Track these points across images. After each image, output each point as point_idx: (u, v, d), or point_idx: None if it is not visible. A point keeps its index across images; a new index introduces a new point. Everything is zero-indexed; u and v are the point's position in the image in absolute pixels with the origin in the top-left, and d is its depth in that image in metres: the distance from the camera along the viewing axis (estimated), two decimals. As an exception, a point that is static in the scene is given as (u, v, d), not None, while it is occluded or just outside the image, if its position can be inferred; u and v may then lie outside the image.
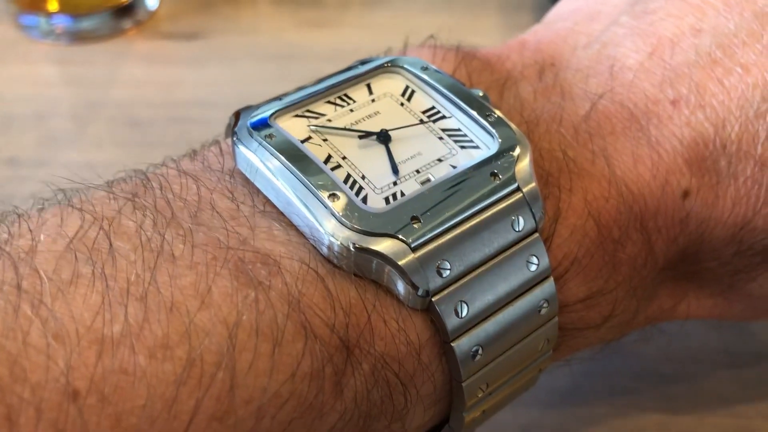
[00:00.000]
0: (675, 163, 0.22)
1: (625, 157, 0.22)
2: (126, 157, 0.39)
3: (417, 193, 0.19)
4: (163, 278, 0.16)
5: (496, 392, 0.21)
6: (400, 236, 0.18)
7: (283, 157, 0.19)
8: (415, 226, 0.18)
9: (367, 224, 0.18)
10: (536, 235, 0.20)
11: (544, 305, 0.20)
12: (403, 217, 0.18)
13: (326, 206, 0.18)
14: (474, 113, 0.21)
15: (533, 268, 0.20)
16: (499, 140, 0.20)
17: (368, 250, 0.18)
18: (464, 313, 0.19)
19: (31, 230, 0.17)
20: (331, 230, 0.18)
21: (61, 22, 0.46)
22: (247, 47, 0.46)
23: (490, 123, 0.21)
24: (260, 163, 0.19)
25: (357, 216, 0.18)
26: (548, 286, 0.20)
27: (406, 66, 0.22)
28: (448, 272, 0.18)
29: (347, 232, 0.18)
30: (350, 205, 0.18)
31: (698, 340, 0.30)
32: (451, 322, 0.18)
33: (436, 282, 0.18)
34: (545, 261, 0.20)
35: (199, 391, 0.15)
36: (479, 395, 0.20)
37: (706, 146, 0.22)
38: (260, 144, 0.19)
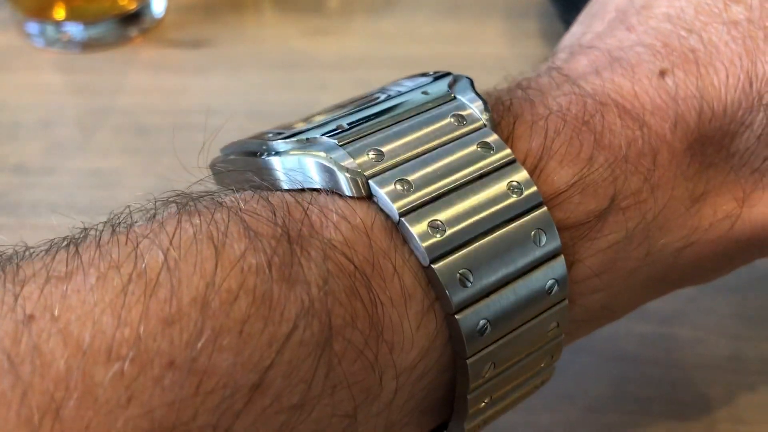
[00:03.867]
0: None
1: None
2: (133, 165, 0.39)
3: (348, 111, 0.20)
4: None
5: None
6: (330, 137, 0.19)
7: None
8: (344, 132, 0.19)
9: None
10: (481, 123, 0.20)
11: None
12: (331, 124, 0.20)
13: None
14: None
15: (489, 155, 0.19)
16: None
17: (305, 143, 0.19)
18: (407, 190, 0.18)
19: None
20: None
21: (68, 30, 0.46)
22: (253, 55, 0.46)
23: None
24: None
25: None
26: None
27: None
28: (379, 158, 0.18)
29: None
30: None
31: (708, 346, 0.30)
32: (392, 196, 0.18)
33: (368, 162, 0.18)
34: (502, 149, 0.20)
35: (144, 297, 0.15)
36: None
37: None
38: None
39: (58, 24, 0.46)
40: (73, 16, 0.46)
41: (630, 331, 0.31)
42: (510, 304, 0.19)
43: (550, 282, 0.19)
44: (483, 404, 0.20)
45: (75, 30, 0.46)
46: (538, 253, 0.19)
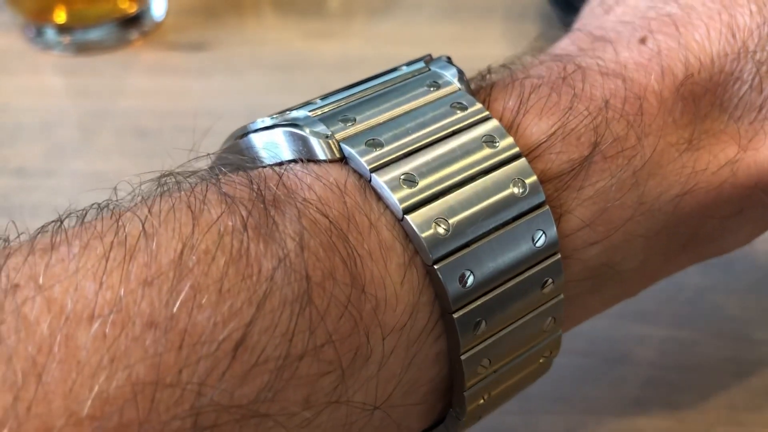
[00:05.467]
0: None
1: None
2: (133, 167, 0.39)
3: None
4: None
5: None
6: (305, 110, 0.19)
7: None
8: (317, 106, 0.19)
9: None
10: (458, 87, 0.20)
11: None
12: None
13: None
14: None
15: (460, 113, 0.19)
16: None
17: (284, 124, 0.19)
18: (380, 151, 0.18)
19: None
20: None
21: (68, 33, 0.46)
22: (253, 58, 0.46)
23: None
24: None
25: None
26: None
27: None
28: (351, 123, 0.19)
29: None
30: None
31: (706, 348, 0.30)
32: (363, 153, 0.18)
33: (340, 127, 0.19)
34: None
35: (125, 261, 0.15)
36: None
37: None
38: None
39: (58, 27, 0.46)
40: (73, 19, 0.46)
41: (628, 333, 0.31)
42: (493, 252, 0.18)
43: (538, 233, 0.19)
44: (481, 372, 0.19)
45: (75, 33, 0.46)
46: (518, 203, 0.19)
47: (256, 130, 0.20)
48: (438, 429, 0.21)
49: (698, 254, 0.24)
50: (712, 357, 0.30)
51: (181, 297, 0.15)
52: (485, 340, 0.19)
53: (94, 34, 0.46)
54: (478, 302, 0.18)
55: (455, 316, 0.18)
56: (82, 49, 0.46)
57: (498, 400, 0.21)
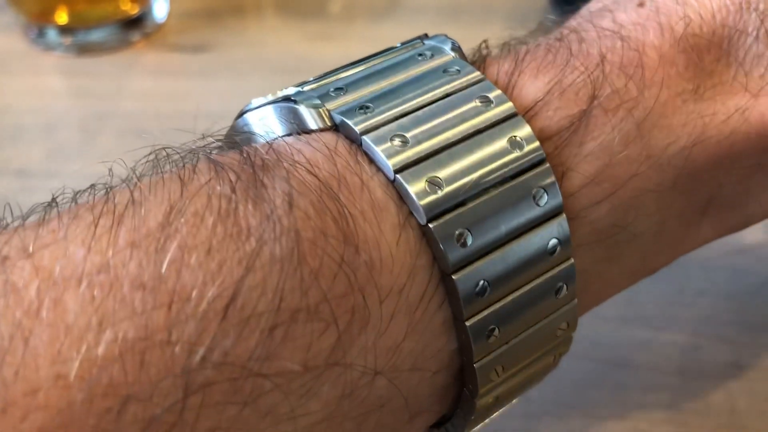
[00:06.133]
0: None
1: None
2: (134, 169, 0.39)
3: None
4: None
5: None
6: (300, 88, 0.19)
7: None
8: (308, 82, 0.19)
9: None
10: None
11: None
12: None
13: None
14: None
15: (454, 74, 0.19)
16: None
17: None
18: (370, 115, 0.18)
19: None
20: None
21: (70, 35, 0.46)
22: (255, 60, 0.46)
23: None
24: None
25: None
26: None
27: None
28: (342, 93, 0.19)
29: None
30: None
31: (708, 353, 0.30)
32: (352, 118, 0.18)
33: (331, 97, 0.18)
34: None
35: (113, 226, 0.15)
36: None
37: None
38: None
39: (60, 28, 0.46)
40: (75, 20, 0.46)
41: (630, 338, 0.31)
42: (491, 212, 0.18)
43: (539, 192, 0.18)
44: (492, 343, 0.18)
45: (77, 34, 0.46)
46: (516, 161, 0.18)
47: (251, 109, 0.20)
48: (453, 419, 0.20)
49: (721, 222, 0.23)
50: (714, 361, 0.30)
51: (169, 257, 0.15)
52: (490, 305, 0.18)
53: (96, 36, 0.46)
54: (479, 263, 0.17)
55: (455, 277, 0.17)
56: (84, 50, 0.46)
57: (512, 382, 0.20)
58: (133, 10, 0.47)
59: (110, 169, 0.18)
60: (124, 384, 0.14)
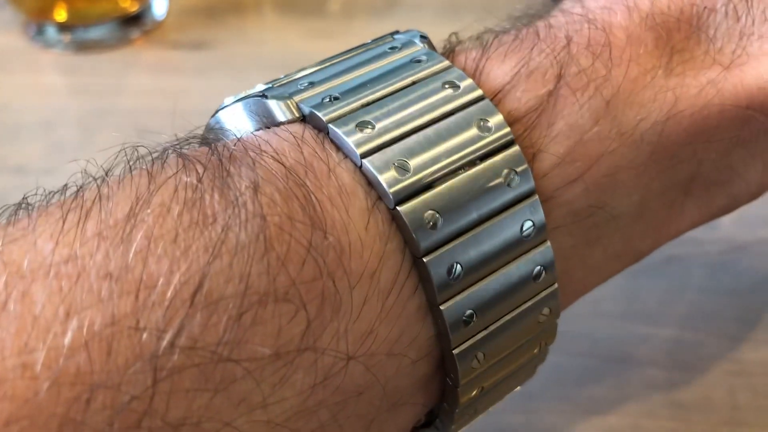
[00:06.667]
0: None
1: None
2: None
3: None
4: None
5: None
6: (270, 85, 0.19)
7: None
8: (278, 79, 0.19)
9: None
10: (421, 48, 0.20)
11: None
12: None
13: None
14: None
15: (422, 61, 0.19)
16: None
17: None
18: (337, 104, 0.18)
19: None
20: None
21: (69, 32, 0.46)
22: (254, 57, 0.46)
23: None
24: None
25: None
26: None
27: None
28: (310, 86, 0.19)
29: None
30: None
31: (709, 349, 0.30)
32: (319, 107, 0.18)
33: (299, 91, 0.19)
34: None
35: (81, 220, 0.15)
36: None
37: None
38: None
39: (59, 25, 0.46)
40: (74, 17, 0.46)
41: (631, 334, 0.31)
42: (461, 193, 0.18)
43: (510, 174, 0.18)
44: (470, 327, 0.18)
45: (76, 31, 0.46)
46: (484, 143, 0.18)
47: (223, 108, 0.20)
48: (440, 414, 0.20)
49: (706, 203, 0.22)
50: (716, 357, 0.30)
51: (135, 246, 0.15)
52: (465, 289, 0.18)
53: (95, 33, 0.46)
54: (450, 246, 0.17)
55: (426, 260, 0.17)
56: (83, 47, 0.46)
57: (497, 373, 0.19)
58: (133, 8, 0.46)
59: (84, 170, 0.18)
60: (92, 372, 0.14)
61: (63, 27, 0.46)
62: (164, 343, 0.14)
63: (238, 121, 0.19)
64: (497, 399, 0.21)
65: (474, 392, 0.19)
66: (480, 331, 0.18)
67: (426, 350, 0.18)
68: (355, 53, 0.20)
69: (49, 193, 0.17)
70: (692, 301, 0.32)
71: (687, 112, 0.20)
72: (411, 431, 0.20)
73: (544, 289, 0.19)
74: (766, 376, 0.29)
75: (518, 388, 0.22)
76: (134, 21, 0.47)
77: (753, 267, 0.33)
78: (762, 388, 0.29)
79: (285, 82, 0.19)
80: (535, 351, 0.20)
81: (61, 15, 0.46)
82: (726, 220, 0.34)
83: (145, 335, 0.14)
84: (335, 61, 0.20)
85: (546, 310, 0.19)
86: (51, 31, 0.46)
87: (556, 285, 0.19)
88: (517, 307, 0.19)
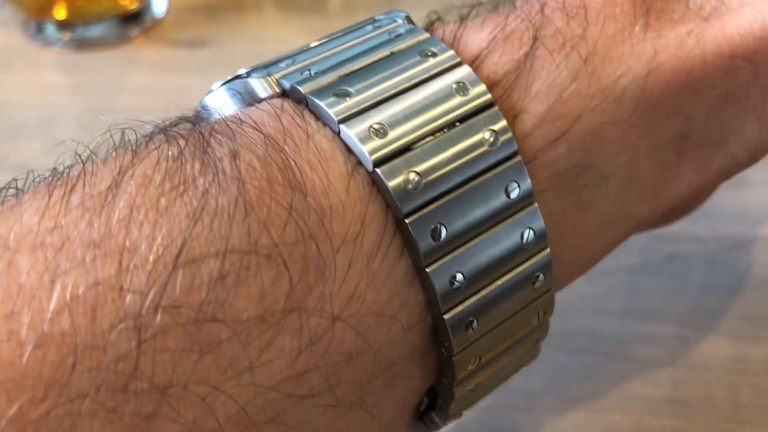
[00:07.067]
0: None
1: None
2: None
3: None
4: None
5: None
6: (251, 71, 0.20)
7: None
8: (263, 63, 0.20)
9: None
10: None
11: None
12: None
13: None
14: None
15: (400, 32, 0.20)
16: None
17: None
18: (316, 78, 0.18)
19: None
20: None
21: (69, 30, 0.46)
22: (254, 55, 0.45)
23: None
24: None
25: None
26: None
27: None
28: (290, 64, 0.19)
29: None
30: None
31: (711, 347, 0.30)
32: (298, 81, 0.18)
33: (281, 69, 0.19)
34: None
35: (65, 194, 0.16)
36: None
37: None
38: None
39: (58, 23, 0.46)
40: (74, 15, 0.46)
41: (633, 331, 0.31)
42: (440, 153, 0.18)
43: (490, 134, 0.18)
44: (459, 291, 0.18)
45: (76, 29, 0.46)
46: (462, 105, 0.18)
47: (209, 92, 0.20)
48: (439, 390, 0.20)
49: (703, 163, 0.22)
50: (718, 355, 0.30)
51: (117, 214, 0.15)
52: (452, 252, 0.18)
53: (95, 31, 0.46)
54: (433, 207, 0.17)
55: (408, 221, 0.17)
56: (83, 45, 0.46)
57: (493, 342, 0.19)
58: (132, 6, 0.46)
59: (76, 152, 0.18)
60: (76, 334, 0.14)
61: (62, 25, 0.46)
62: (147, 303, 0.15)
63: (222, 104, 0.20)
64: (500, 379, 0.21)
65: (472, 365, 0.19)
66: (471, 296, 0.18)
67: (417, 318, 0.18)
68: (338, 35, 0.21)
69: (38, 176, 0.17)
70: (694, 298, 0.32)
71: (668, 65, 0.20)
72: (416, 416, 0.20)
73: (537, 254, 0.19)
74: (769, 373, 0.29)
75: (522, 369, 0.21)
76: (134, 19, 0.46)
77: (755, 264, 0.33)
78: (764, 386, 0.29)
79: (267, 64, 0.20)
80: (534, 322, 0.20)
81: (60, 13, 0.45)
82: (727, 217, 0.34)
83: (128, 297, 0.14)
84: (317, 42, 0.21)
85: (540, 276, 0.19)
86: (50, 29, 0.46)
87: (548, 249, 0.19)
88: (508, 272, 0.19)
